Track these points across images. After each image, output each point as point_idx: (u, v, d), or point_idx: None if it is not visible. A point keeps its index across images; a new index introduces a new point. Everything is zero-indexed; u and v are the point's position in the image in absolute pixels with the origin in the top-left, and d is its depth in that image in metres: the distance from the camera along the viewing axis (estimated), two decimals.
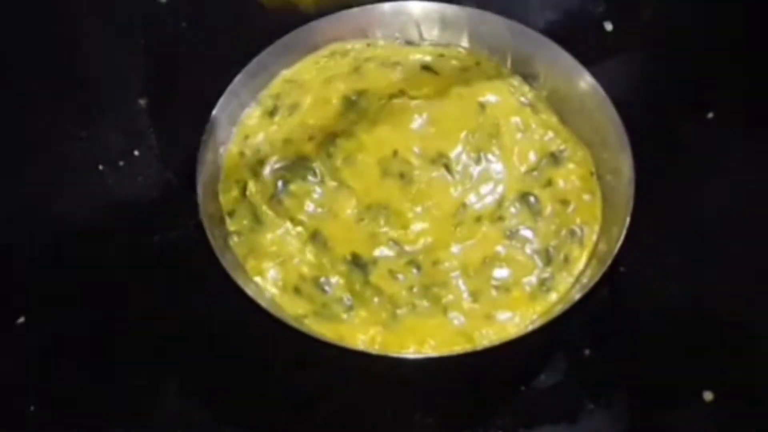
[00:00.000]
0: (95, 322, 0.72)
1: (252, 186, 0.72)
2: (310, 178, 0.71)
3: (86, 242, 0.75)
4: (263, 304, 0.66)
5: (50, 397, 0.69)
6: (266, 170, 0.72)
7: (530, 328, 0.67)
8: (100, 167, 0.78)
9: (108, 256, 0.74)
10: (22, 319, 0.72)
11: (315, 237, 0.70)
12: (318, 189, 0.71)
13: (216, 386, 0.69)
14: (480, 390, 0.69)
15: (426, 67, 0.77)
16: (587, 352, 0.70)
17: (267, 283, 0.69)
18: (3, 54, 0.84)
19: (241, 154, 0.74)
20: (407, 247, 0.69)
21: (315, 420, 0.68)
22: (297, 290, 0.69)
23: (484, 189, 0.71)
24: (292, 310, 0.68)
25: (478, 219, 0.70)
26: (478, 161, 0.71)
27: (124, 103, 0.82)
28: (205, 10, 0.87)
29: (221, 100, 0.74)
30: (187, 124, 0.76)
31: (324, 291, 0.68)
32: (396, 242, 0.69)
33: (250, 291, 0.66)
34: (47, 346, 0.71)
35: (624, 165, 0.70)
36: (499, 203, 0.71)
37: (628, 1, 0.87)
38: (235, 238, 0.71)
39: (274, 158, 0.73)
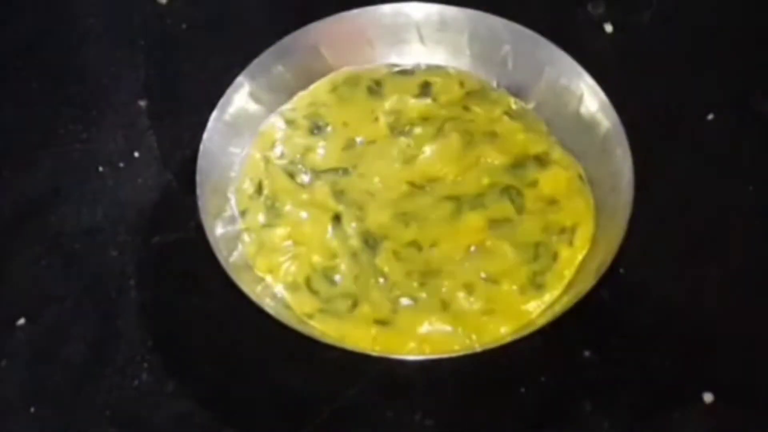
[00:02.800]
0: (95, 322, 0.72)
1: (276, 178, 0.73)
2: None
3: (86, 243, 0.75)
4: (263, 305, 0.66)
5: (50, 398, 0.69)
6: (298, 165, 0.74)
7: (530, 329, 0.67)
8: (100, 169, 0.78)
9: (108, 257, 0.74)
10: (22, 321, 0.72)
11: (341, 195, 0.73)
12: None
13: (216, 387, 0.69)
14: (480, 391, 0.69)
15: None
16: (587, 353, 0.70)
17: (277, 279, 0.70)
18: (3, 55, 0.84)
19: (266, 158, 0.75)
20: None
21: (315, 421, 0.68)
22: (307, 284, 0.69)
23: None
24: (300, 308, 0.69)
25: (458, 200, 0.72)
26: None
27: (124, 104, 0.82)
28: (205, 11, 0.87)
29: (221, 102, 0.74)
30: (187, 125, 0.77)
31: (332, 283, 0.69)
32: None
33: (249, 292, 0.66)
34: (47, 346, 0.71)
35: (624, 166, 0.70)
36: (480, 192, 0.72)
37: (628, 2, 0.87)
38: (246, 237, 0.71)
39: (310, 156, 0.75)
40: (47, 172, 0.78)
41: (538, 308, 0.68)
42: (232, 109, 0.75)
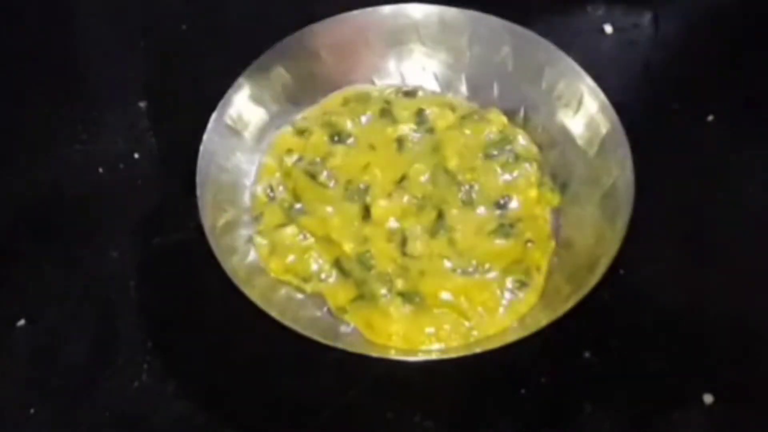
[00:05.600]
0: (95, 323, 0.72)
1: (297, 179, 0.75)
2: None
3: (86, 244, 0.75)
4: (263, 306, 0.66)
5: (50, 398, 0.69)
6: (318, 167, 0.75)
7: (530, 330, 0.67)
8: (100, 170, 0.79)
9: (108, 258, 0.74)
10: (22, 322, 0.72)
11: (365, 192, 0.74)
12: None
13: (216, 388, 0.69)
14: (480, 392, 0.69)
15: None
16: (587, 354, 0.70)
17: (300, 275, 0.71)
18: (3, 55, 0.84)
19: (282, 163, 0.76)
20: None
21: (315, 422, 0.68)
22: (340, 269, 0.71)
23: None
24: (334, 299, 0.70)
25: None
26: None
27: (124, 105, 0.82)
28: (205, 12, 0.87)
29: (221, 103, 0.74)
30: (186, 126, 0.76)
31: (367, 267, 0.71)
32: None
33: (249, 293, 0.66)
34: (47, 347, 0.71)
35: (624, 167, 0.70)
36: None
37: (627, 3, 0.87)
38: (259, 239, 0.72)
39: (330, 160, 0.76)
40: (47, 173, 0.78)
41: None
42: (232, 111, 0.75)
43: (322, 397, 0.69)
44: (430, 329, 0.69)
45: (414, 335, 0.68)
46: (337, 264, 0.71)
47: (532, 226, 0.73)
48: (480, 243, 0.72)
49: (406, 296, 0.70)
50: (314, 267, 0.71)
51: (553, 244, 0.73)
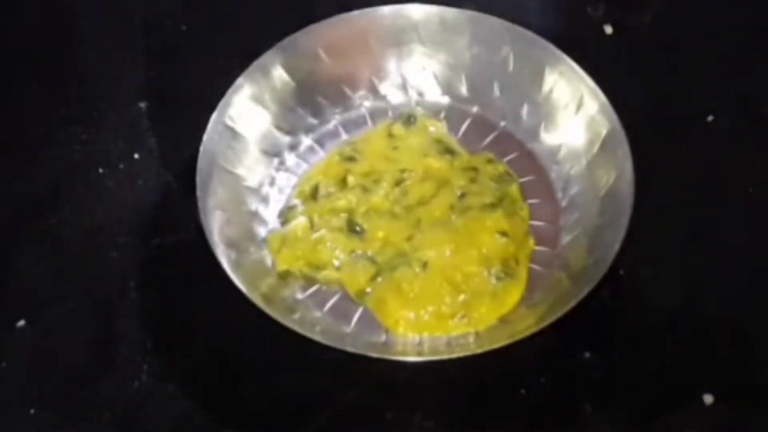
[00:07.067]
0: (95, 323, 0.72)
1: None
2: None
3: (86, 245, 0.75)
4: (263, 307, 0.66)
5: (50, 399, 0.69)
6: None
7: (530, 330, 0.67)
8: (100, 170, 0.78)
9: (108, 258, 0.74)
10: (22, 322, 0.72)
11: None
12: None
13: (216, 389, 0.69)
14: (480, 393, 0.69)
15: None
16: (587, 354, 0.70)
17: (320, 263, 0.72)
18: (3, 55, 0.84)
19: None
20: None
21: (315, 423, 0.68)
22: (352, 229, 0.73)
23: None
24: (354, 283, 0.71)
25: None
26: None
27: (124, 105, 0.82)
28: (205, 12, 0.87)
29: (221, 103, 0.74)
30: (187, 126, 0.77)
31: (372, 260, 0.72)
32: None
33: (249, 293, 0.66)
34: (47, 348, 0.71)
35: (624, 167, 0.71)
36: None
37: (628, 4, 0.87)
38: (272, 235, 0.73)
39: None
40: (47, 173, 0.78)
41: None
42: (232, 111, 0.75)
43: (322, 398, 0.69)
44: (431, 308, 0.69)
45: (418, 314, 0.69)
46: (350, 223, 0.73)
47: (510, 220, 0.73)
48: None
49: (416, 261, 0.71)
50: (328, 255, 0.72)
51: (531, 242, 0.73)
